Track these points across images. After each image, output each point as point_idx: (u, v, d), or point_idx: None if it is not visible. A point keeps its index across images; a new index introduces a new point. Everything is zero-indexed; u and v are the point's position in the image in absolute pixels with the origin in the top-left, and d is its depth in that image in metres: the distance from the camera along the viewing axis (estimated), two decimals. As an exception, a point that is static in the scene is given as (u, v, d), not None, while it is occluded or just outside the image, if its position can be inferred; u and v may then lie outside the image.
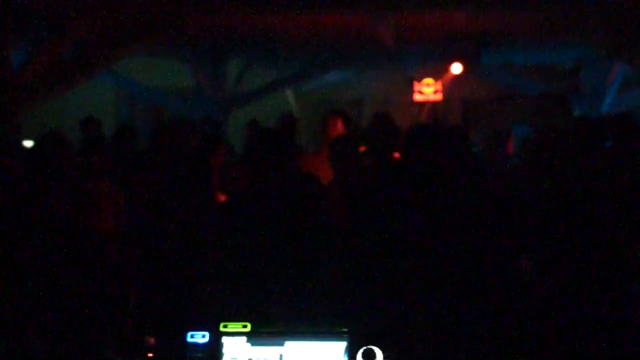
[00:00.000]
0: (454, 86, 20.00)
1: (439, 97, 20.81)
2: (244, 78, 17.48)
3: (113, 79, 15.58)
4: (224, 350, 3.34)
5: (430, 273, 4.48)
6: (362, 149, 7.76)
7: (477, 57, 13.11)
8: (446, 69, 16.46)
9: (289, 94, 20.04)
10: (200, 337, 3.37)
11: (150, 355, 3.42)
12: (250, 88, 17.58)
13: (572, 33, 10.85)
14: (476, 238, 4.67)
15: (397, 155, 7.54)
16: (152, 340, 3.43)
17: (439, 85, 20.57)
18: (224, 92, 16.66)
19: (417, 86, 20.66)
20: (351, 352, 3.32)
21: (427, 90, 20.72)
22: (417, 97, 20.76)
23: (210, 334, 3.37)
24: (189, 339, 3.37)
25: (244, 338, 3.35)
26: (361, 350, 3.31)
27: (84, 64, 10.25)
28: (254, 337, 3.36)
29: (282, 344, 3.34)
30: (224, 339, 3.35)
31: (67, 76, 10.08)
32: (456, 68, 13.65)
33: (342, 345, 3.33)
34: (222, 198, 6.16)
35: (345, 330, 3.34)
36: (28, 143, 9.78)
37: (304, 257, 4.29)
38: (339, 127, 8.56)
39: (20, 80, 9.51)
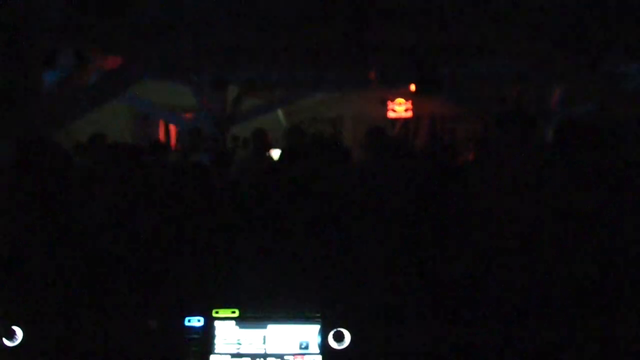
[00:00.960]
0: (422, 105, 20.11)
1: (409, 114, 20.95)
2: (241, 99, 17.46)
3: (129, 99, 15.54)
4: (216, 332, 3.38)
5: (397, 263, 4.47)
6: None
7: (440, 81, 13.15)
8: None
9: (280, 112, 20.08)
10: (195, 322, 3.39)
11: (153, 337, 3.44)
12: (247, 107, 17.57)
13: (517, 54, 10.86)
14: (442, 230, 4.65)
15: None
16: (154, 324, 3.45)
17: (409, 104, 20.70)
18: (224, 111, 16.65)
19: (390, 105, 20.78)
20: (324, 334, 3.34)
21: (399, 108, 20.87)
22: (391, 114, 20.89)
23: (204, 319, 3.39)
24: (186, 323, 3.39)
25: (233, 322, 3.38)
26: (332, 332, 3.34)
27: (104, 89, 10.26)
28: (242, 321, 3.38)
29: (265, 327, 3.37)
30: (216, 323, 3.38)
31: (90, 99, 10.08)
32: (412, 87, 13.83)
33: (316, 327, 3.36)
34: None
35: (319, 315, 3.37)
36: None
37: (287, 252, 4.33)
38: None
39: (50, 103, 9.55)
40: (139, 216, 4.38)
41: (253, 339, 3.37)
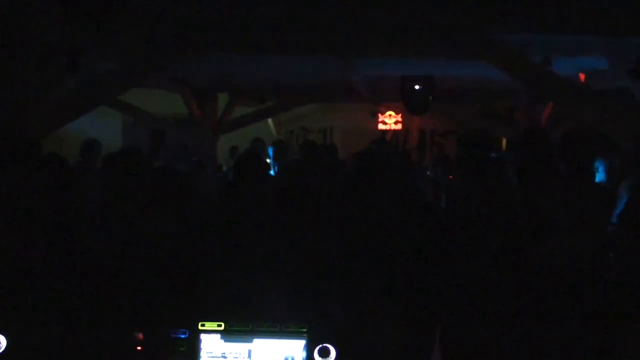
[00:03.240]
0: (412, 118, 20.17)
1: (399, 126, 21.06)
2: (230, 108, 17.42)
3: (119, 106, 15.47)
4: (202, 345, 3.36)
5: (380, 278, 4.46)
6: None
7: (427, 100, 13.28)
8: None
9: (270, 122, 20.09)
10: (181, 334, 3.39)
11: (138, 348, 3.43)
12: (236, 116, 17.53)
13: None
14: (421, 244, 4.63)
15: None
16: (140, 336, 3.44)
17: (399, 117, 20.81)
18: (214, 120, 16.62)
19: (380, 117, 20.89)
20: (309, 349, 3.34)
21: (389, 120, 20.97)
22: (381, 126, 20.99)
23: (190, 332, 3.38)
24: (172, 335, 3.38)
25: (219, 335, 3.38)
26: (317, 348, 3.34)
27: (93, 94, 10.22)
28: (227, 334, 3.38)
29: (250, 341, 3.36)
30: (202, 336, 3.37)
31: (79, 104, 10.03)
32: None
33: (301, 342, 3.35)
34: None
35: (305, 330, 3.37)
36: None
37: (274, 265, 4.31)
38: None
39: (39, 108, 9.50)
40: (128, 227, 4.36)
41: (238, 352, 3.36)
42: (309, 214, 4.66)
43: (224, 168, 16.20)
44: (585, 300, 4.36)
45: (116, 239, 4.28)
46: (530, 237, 4.55)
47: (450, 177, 10.17)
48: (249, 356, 3.36)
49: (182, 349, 3.37)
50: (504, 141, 16.90)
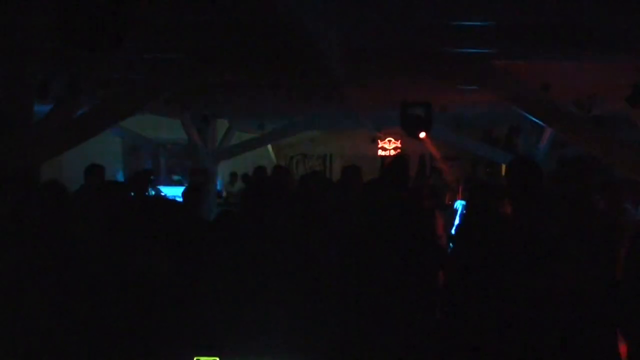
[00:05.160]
0: (412, 144, 20.22)
1: (398, 152, 21.09)
2: (230, 134, 17.43)
3: (120, 131, 15.44)
4: (198, 380, 3.33)
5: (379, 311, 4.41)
6: None
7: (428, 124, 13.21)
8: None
9: (270, 148, 20.11)
10: (177, 369, 3.35)
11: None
12: (236, 142, 17.54)
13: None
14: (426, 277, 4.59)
15: None
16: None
17: (398, 143, 20.86)
18: (213, 146, 16.61)
19: (380, 143, 20.93)
20: (305, 383, 3.31)
21: (389, 146, 21.00)
22: (380, 152, 21.03)
23: (185, 366, 3.33)
24: (167, 370, 3.34)
25: (215, 370, 3.34)
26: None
27: (95, 120, 10.19)
28: (223, 369, 3.34)
29: (246, 376, 3.33)
30: (198, 370, 3.33)
31: (80, 130, 10.00)
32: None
33: (297, 377, 3.33)
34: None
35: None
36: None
37: (269, 300, 4.26)
38: None
39: (40, 133, 9.48)
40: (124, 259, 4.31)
41: (234, 387, 3.32)
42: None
43: (224, 194, 16.16)
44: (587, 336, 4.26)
45: (111, 271, 4.22)
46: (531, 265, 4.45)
47: None
48: (245, 390, 3.32)
49: (177, 383, 3.32)
50: (503, 167, 16.91)
